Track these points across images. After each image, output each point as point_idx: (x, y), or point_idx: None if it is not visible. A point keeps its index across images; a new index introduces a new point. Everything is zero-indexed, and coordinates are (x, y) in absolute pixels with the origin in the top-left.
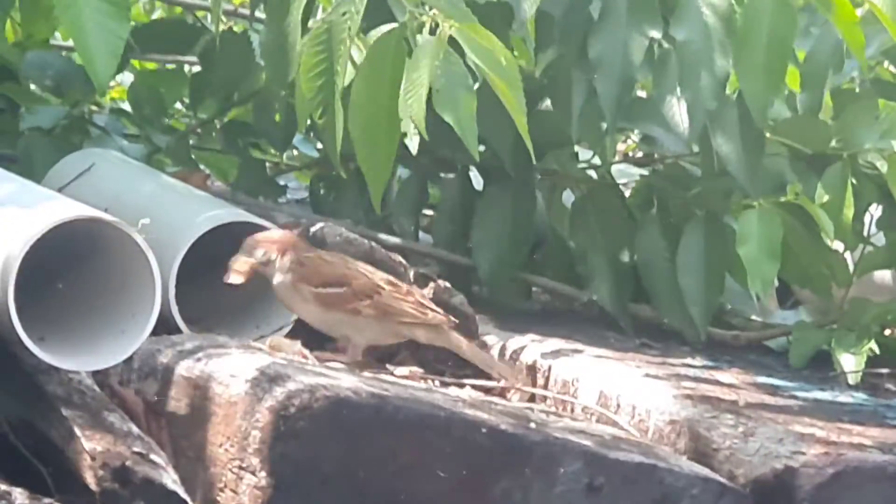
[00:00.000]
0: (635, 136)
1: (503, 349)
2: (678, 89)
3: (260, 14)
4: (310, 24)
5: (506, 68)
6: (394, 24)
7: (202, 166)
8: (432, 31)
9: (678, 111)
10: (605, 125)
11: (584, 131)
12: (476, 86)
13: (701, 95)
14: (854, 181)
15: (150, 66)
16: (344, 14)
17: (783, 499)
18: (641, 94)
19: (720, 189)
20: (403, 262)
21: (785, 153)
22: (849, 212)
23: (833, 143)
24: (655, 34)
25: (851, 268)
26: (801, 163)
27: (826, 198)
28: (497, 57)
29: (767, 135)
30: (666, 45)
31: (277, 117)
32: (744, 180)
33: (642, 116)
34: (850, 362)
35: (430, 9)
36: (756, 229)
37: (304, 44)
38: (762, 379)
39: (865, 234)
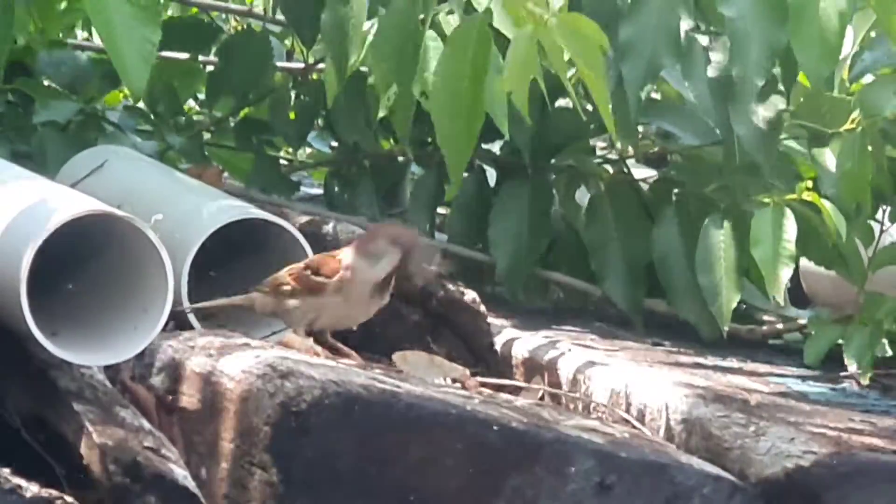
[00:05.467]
0: (652, 135)
1: (515, 346)
2: (704, 78)
3: (279, 16)
4: None
5: (600, 61)
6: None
7: (215, 163)
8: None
9: (707, 98)
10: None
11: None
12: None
13: (750, 71)
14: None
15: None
16: None
17: (794, 498)
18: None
19: (740, 182)
20: None
21: (804, 135)
22: (866, 184)
23: (852, 116)
24: (687, 23)
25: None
26: (820, 143)
27: (846, 167)
28: (596, 48)
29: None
30: (693, 34)
31: (292, 115)
32: (763, 163)
33: (661, 113)
34: (862, 361)
35: None
36: (770, 228)
37: (378, 27)
38: (774, 378)
39: (878, 229)
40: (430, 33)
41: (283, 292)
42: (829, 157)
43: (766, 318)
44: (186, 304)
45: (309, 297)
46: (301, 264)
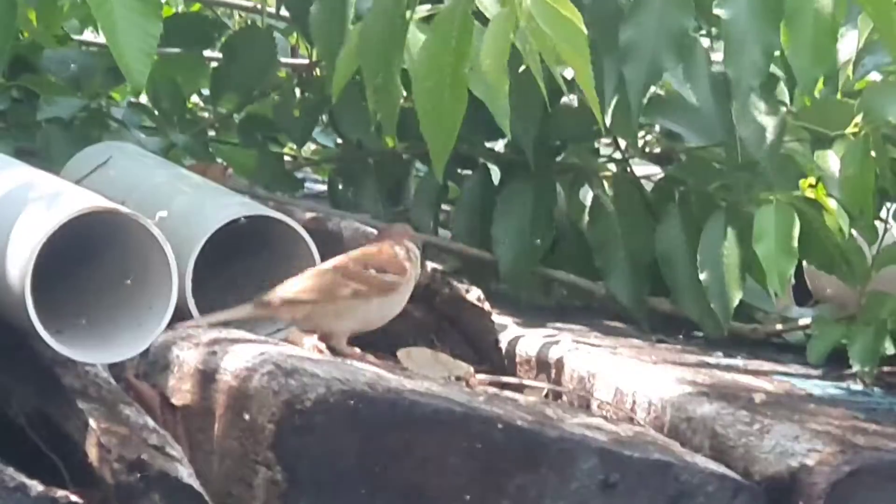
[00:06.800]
0: (655, 134)
1: (519, 343)
2: (706, 79)
3: (284, 13)
4: None
5: (584, 44)
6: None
7: (219, 160)
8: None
9: (709, 99)
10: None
11: (615, 122)
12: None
13: (746, 73)
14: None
15: None
16: None
17: (798, 496)
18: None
19: (743, 180)
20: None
21: (807, 138)
22: (869, 189)
23: (855, 120)
24: (688, 23)
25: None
26: (823, 146)
27: (848, 172)
28: (579, 31)
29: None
30: (694, 35)
31: (297, 112)
32: (765, 164)
33: (665, 111)
34: (866, 359)
35: None
36: (773, 226)
37: (364, 18)
38: (779, 376)
39: (882, 228)
40: (414, 27)
41: (342, 296)
42: (832, 161)
43: (769, 316)
44: (199, 318)
45: (376, 298)
46: (353, 265)
